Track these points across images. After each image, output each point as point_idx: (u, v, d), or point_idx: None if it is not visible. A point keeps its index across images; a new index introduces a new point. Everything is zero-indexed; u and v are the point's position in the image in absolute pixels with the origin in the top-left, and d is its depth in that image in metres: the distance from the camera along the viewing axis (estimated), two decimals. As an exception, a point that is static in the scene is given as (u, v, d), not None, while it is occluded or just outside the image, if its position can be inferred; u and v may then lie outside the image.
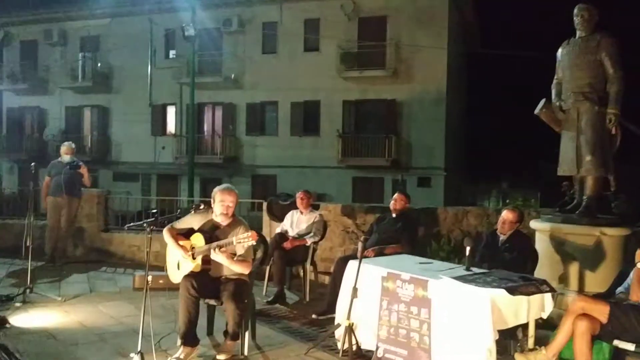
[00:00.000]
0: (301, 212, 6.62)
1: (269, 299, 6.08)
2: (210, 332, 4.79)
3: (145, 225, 3.83)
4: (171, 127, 23.34)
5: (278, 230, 6.65)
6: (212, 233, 4.29)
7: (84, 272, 7.25)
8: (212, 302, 4.38)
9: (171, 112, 23.32)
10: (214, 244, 4.12)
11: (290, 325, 5.27)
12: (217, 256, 4.10)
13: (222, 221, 4.35)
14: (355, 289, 4.36)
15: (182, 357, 4.02)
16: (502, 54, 21.84)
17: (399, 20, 20.01)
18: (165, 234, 4.36)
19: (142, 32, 22.70)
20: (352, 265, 4.57)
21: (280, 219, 6.97)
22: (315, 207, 7.08)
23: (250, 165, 22.12)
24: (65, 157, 7.83)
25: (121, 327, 4.89)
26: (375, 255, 5.57)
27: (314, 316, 5.49)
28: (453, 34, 20.42)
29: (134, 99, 23.16)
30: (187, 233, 4.40)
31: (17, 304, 5.39)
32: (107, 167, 23.77)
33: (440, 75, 19.80)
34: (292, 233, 6.50)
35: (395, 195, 6.15)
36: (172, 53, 23.08)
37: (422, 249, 6.31)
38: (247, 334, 4.31)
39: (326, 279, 6.66)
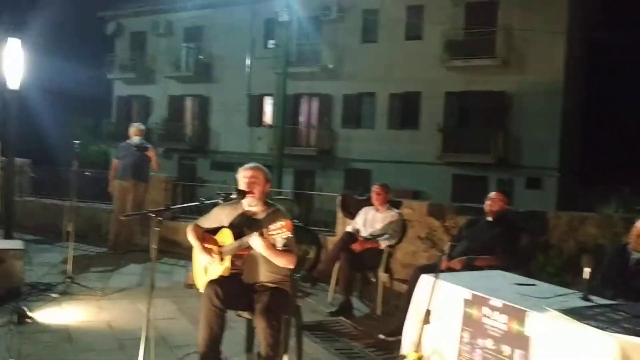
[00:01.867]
0: (377, 210, 5.63)
1: (333, 310, 5.17)
2: (249, 348, 3.96)
3: (151, 215, 3.06)
4: (268, 117, 23.11)
5: (348, 228, 5.72)
6: (244, 227, 3.45)
7: (143, 262, 6.76)
8: (245, 314, 3.54)
9: (268, 102, 23.08)
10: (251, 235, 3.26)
11: (351, 347, 4.33)
12: (256, 241, 3.25)
13: (253, 207, 3.51)
14: (427, 312, 3.34)
15: (199, 382, 3.23)
16: (632, 41, 19.18)
17: (511, 4, 18.19)
18: (189, 234, 3.59)
19: (243, 22, 22.65)
20: (425, 280, 3.54)
21: (355, 216, 6.03)
22: (396, 205, 6.05)
23: (345, 159, 21.32)
24: (135, 139, 7.43)
25: (150, 332, 4.20)
26: (463, 268, 4.49)
27: (381, 336, 4.51)
28: (573, 19, 18.25)
29: (232, 88, 23.21)
30: (217, 230, 3.60)
31: (54, 295, 4.92)
32: (205, 156, 24.06)
33: (556, 65, 17.78)
34: (364, 233, 5.54)
35: (492, 194, 4.99)
36: (270, 43, 22.78)
37: (524, 261, 5.09)
38: (285, 358, 3.43)
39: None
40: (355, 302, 5.56)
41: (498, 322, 2.98)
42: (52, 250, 6.95)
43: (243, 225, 3.50)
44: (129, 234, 7.43)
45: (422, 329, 3.34)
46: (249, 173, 3.51)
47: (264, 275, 3.46)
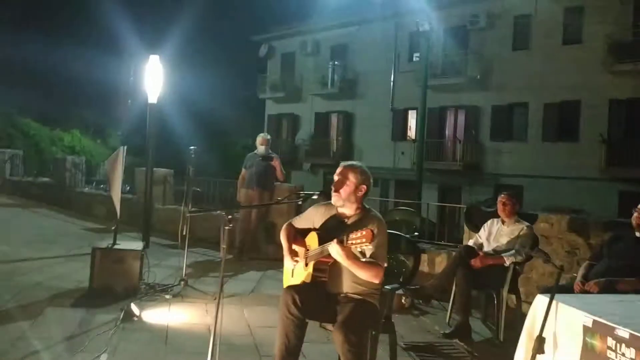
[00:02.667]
0: (503, 222, 5.01)
1: (447, 331, 4.66)
2: (341, 365, 3.65)
3: (219, 212, 2.93)
4: (412, 132, 22.66)
5: (470, 242, 5.16)
6: (332, 231, 3.16)
7: (264, 270, 6.77)
8: (330, 327, 3.24)
9: (412, 116, 22.64)
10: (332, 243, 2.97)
11: (459, 373, 3.82)
12: (334, 249, 2.95)
13: (345, 210, 3.21)
14: (540, 340, 2.79)
15: (273, 397, 3.00)
16: None
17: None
18: (282, 233, 3.41)
19: (387, 36, 22.62)
20: (540, 301, 2.97)
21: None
22: (531, 218, 5.34)
23: (493, 174, 20.04)
24: (260, 149, 7.57)
25: (246, 339, 4.10)
26: (601, 291, 3.76)
27: (498, 365, 3.93)
28: None
29: (376, 104, 23.21)
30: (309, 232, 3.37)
31: (167, 296, 5.06)
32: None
33: None
34: (487, 248, 4.95)
35: (644, 204, 4.15)
36: (415, 56, 22.39)
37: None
38: (372, 380, 3.07)
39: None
40: (478, 325, 5.00)
41: (625, 356, 2.34)
42: (182, 255, 7.27)
43: (331, 229, 3.22)
44: (254, 241, 7.54)
45: (533, 358, 2.79)
46: (338, 171, 3.23)
47: (348, 286, 3.14)
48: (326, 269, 3.16)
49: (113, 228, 5.13)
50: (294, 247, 3.33)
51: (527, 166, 18.91)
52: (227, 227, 2.96)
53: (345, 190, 3.18)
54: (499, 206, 5.04)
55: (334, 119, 25.32)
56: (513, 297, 4.89)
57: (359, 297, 3.12)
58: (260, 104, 28.18)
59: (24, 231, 8.28)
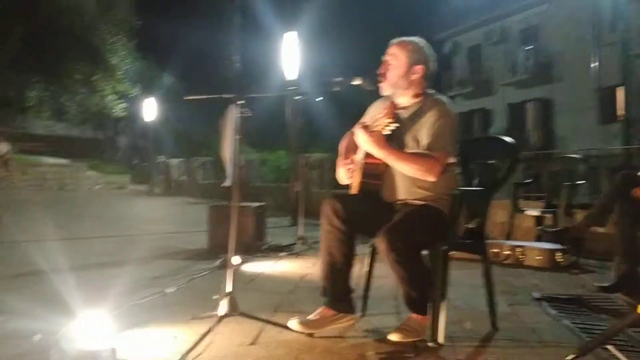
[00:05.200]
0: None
1: (605, 284, 3.57)
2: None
3: (225, 95, 2.53)
4: (622, 110, 19.58)
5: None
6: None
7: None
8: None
9: (621, 93, 19.58)
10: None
11: (605, 325, 2.81)
12: (361, 137, 2.40)
13: (402, 100, 2.54)
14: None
15: (314, 318, 2.49)
16: None
17: None
18: (342, 141, 2.90)
19: (583, 8, 20.00)
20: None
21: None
22: None
23: None
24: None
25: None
26: None
27: (666, 316, 2.81)
28: None
29: (576, 85, 20.60)
30: None
31: (282, 254, 4.84)
32: (550, 162, 21.82)
33: None
34: (661, 175, 3.72)
35: None
36: (619, 24, 19.41)
37: None
38: (443, 306, 2.36)
39: None
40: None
41: None
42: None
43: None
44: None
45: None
46: (389, 51, 2.56)
47: (406, 191, 2.48)
48: (379, 174, 2.55)
49: (222, 184, 5.07)
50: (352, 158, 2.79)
51: None
52: (239, 115, 2.56)
53: (392, 74, 2.51)
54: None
55: (529, 108, 23.14)
56: None
57: (421, 201, 2.44)
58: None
59: (191, 218, 8.86)
